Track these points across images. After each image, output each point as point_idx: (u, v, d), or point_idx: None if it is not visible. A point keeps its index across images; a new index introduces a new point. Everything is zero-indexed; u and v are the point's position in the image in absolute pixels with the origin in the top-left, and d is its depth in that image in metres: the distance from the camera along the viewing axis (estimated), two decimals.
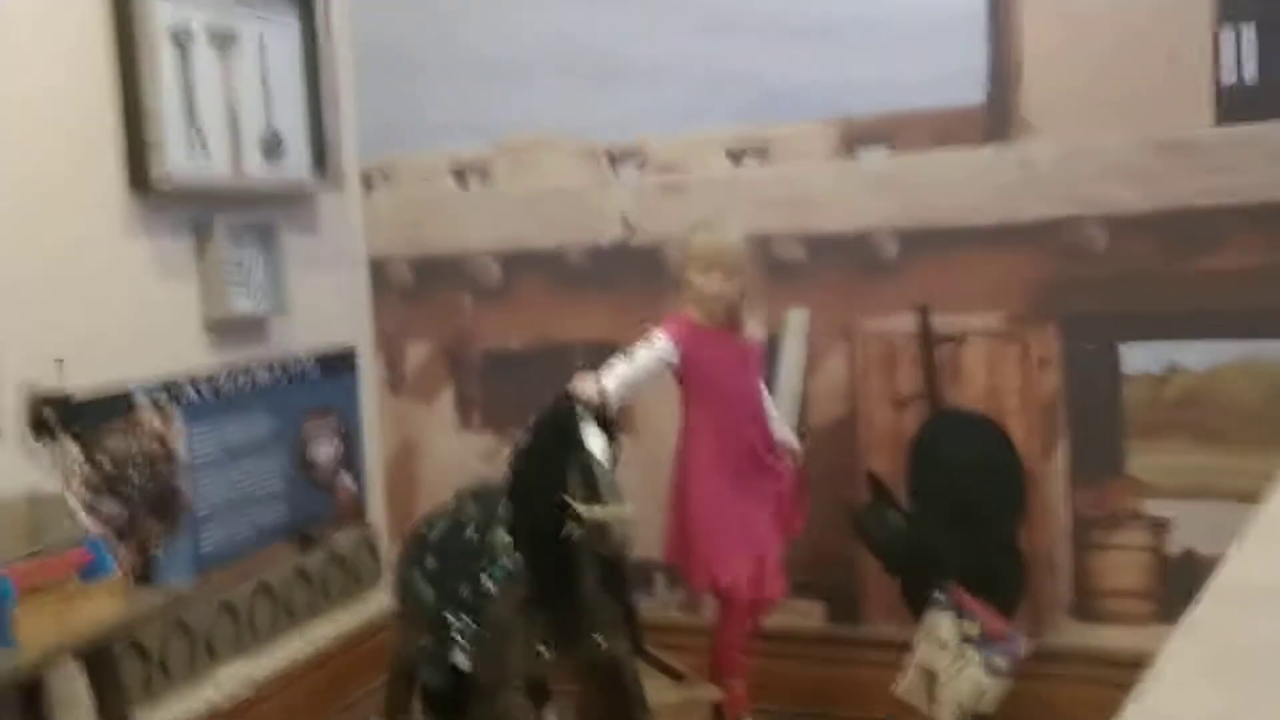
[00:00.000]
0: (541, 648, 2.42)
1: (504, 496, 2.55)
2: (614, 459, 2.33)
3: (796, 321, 3.31)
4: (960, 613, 2.81)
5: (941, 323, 3.11)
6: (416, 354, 3.77)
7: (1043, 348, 3.10)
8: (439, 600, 2.66)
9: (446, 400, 3.75)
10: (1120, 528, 3.09)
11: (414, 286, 3.75)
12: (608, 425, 2.40)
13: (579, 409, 2.36)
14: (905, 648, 3.03)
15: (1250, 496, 1.70)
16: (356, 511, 3.66)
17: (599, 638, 2.46)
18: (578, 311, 3.55)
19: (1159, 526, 3.05)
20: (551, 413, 2.40)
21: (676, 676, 2.84)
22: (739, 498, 2.80)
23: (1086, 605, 3.14)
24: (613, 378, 2.64)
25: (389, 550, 3.73)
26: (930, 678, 2.86)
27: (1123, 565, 3.10)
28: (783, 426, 2.97)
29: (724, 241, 2.79)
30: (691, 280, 2.80)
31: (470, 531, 2.70)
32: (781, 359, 3.33)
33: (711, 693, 2.78)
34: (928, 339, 2.88)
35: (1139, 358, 3.03)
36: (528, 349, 3.62)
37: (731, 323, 2.82)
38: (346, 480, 3.61)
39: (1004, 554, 2.86)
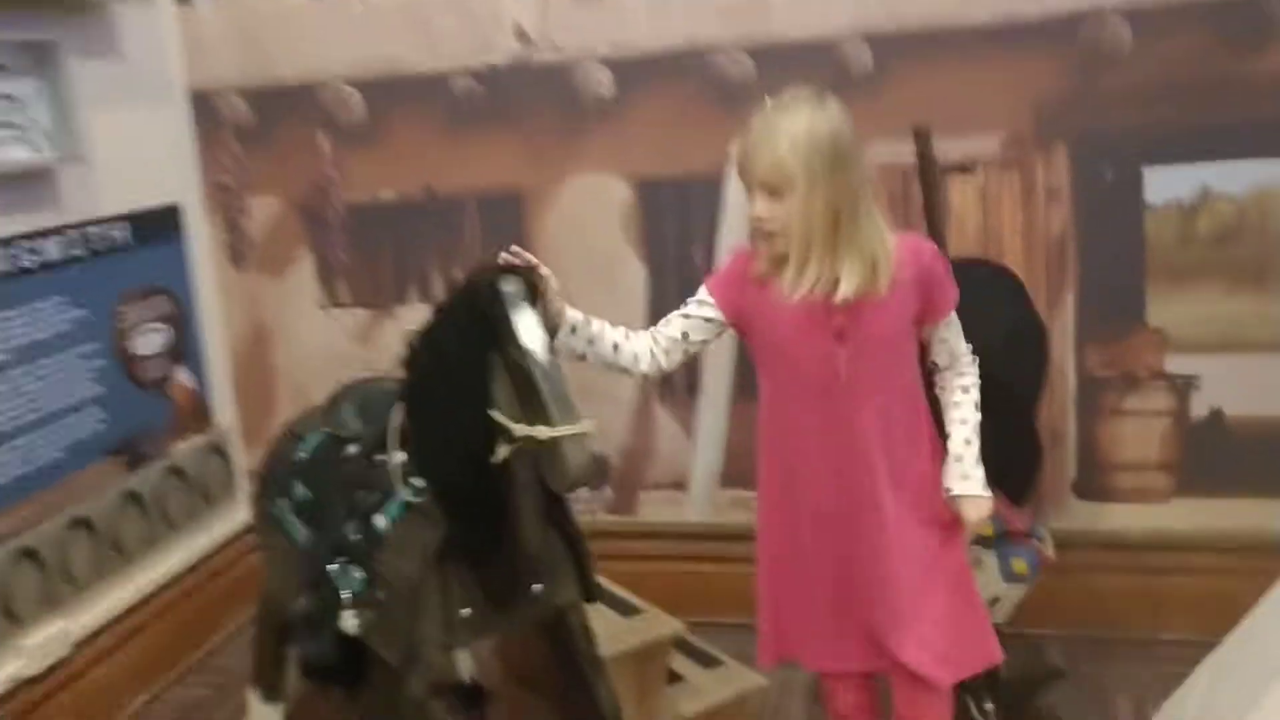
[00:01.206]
0: (464, 609, 1.78)
1: (398, 403, 1.87)
2: (557, 358, 1.65)
3: None
4: (1007, 550, 2.28)
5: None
6: (263, 212, 3.00)
7: (1051, 176, 2.54)
8: (317, 543, 2.00)
9: (305, 270, 3.01)
10: (1137, 389, 2.60)
11: (254, 125, 2.95)
12: (546, 314, 1.71)
13: (509, 289, 1.66)
14: None
15: None
16: (199, 414, 2.94)
17: (540, 589, 1.84)
18: (468, 153, 2.84)
19: (1183, 386, 2.57)
20: (468, 293, 1.68)
21: (630, 611, 2.26)
22: (817, 552, 1.79)
23: (1095, 481, 2.66)
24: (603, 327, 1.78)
25: (244, 459, 3.04)
26: None
27: (1139, 433, 2.62)
28: (967, 466, 1.80)
29: (766, 136, 1.67)
30: None
31: (353, 450, 2.03)
32: (725, 206, 2.71)
33: (674, 626, 2.21)
34: (930, 171, 2.25)
35: (1167, 184, 2.50)
36: (405, 202, 2.90)
37: (798, 271, 1.69)
38: (183, 377, 2.88)
39: (1022, 438, 2.32)
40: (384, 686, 1.87)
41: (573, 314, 1.73)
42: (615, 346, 1.76)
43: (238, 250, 3.03)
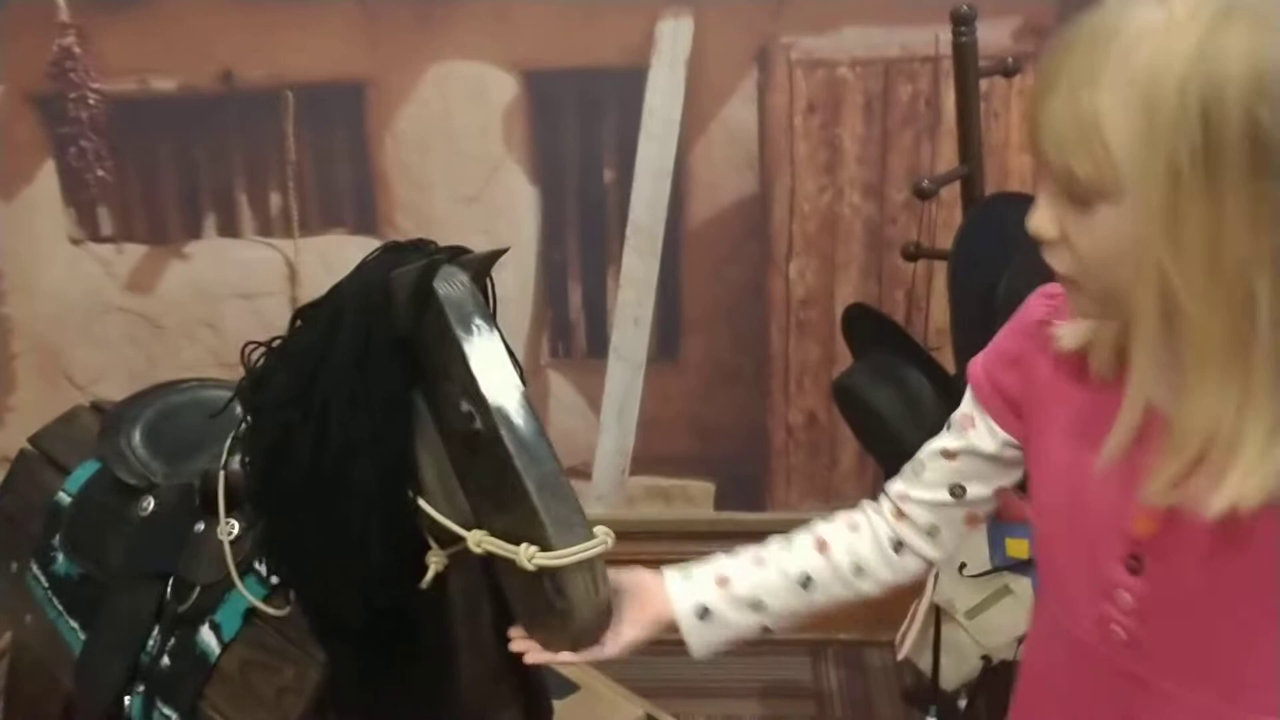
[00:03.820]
0: None
1: (232, 444, 1.14)
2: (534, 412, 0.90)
3: (671, 40, 2.02)
4: (1000, 526, 1.75)
5: (916, 41, 1.90)
6: None
7: None
8: (96, 654, 1.26)
9: (47, 189, 2.16)
10: None
11: None
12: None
13: (454, 291, 0.91)
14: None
15: None
16: None
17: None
18: (284, 26, 2.04)
19: None
20: (373, 292, 0.89)
21: (565, 688, 1.64)
22: None
23: None
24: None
25: None
26: (937, 622, 1.81)
27: None
28: None
29: (1074, 70, 0.71)
30: None
31: (149, 505, 1.29)
32: (646, 106, 2.07)
33: (633, 713, 1.61)
34: (965, 70, 1.63)
35: None
36: (192, 93, 2.10)
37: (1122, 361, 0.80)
38: None
39: None
40: None
41: (750, 582, 0.99)
42: (857, 570, 0.99)
43: None
